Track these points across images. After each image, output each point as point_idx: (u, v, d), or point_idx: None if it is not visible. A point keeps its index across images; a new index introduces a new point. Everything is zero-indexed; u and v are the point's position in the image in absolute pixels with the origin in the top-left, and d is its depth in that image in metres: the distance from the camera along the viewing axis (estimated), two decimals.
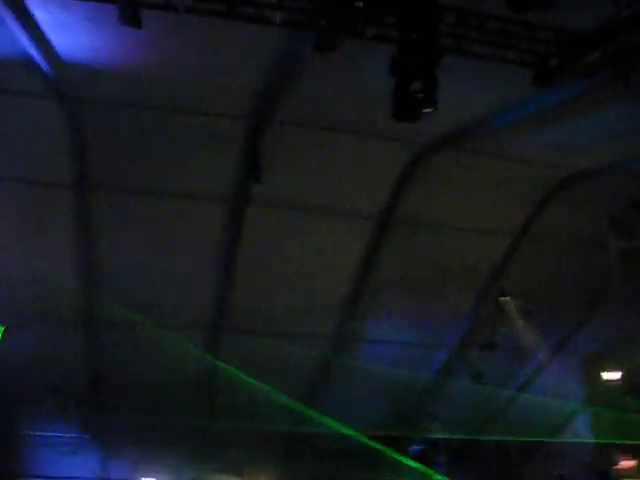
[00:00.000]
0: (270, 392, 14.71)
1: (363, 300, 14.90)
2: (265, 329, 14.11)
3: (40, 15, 8.89)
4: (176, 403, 15.22)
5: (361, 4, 7.37)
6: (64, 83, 10.60)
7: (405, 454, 18.13)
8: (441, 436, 17.87)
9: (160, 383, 14.30)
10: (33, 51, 9.72)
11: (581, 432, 17.20)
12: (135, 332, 13.47)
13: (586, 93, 10.03)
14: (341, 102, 10.97)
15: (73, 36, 9.67)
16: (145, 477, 17.70)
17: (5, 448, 16.81)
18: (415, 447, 18.36)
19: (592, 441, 16.88)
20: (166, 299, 13.66)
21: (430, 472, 17.93)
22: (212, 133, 11.54)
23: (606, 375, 16.08)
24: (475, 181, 13.20)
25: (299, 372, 16.00)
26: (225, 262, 13.62)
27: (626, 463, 14.11)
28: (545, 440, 17.54)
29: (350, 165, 12.58)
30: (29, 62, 10.02)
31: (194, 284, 13.96)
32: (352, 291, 14.80)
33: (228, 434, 16.38)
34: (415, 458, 18.22)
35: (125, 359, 14.57)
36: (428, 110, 7.30)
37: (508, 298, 15.62)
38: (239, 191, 12.54)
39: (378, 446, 17.22)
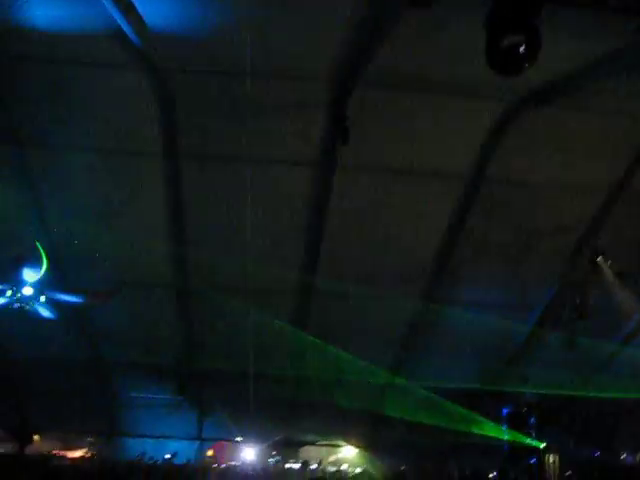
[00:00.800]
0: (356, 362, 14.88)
1: (453, 262, 14.72)
2: (356, 292, 14.10)
3: None
4: (267, 371, 15.57)
5: None
6: (153, 53, 10.73)
7: (496, 416, 18.07)
8: (532, 398, 17.64)
9: (249, 350, 14.54)
10: (122, 23, 9.85)
11: None
12: (229, 300, 13.75)
13: None
14: (430, 61, 10.71)
15: (161, 6, 9.80)
16: (238, 437, 18.29)
17: (106, 408, 17.64)
18: (506, 409, 18.20)
19: None
20: (253, 267, 13.83)
21: (521, 434, 17.79)
22: (299, 97, 11.48)
23: None
24: (567, 137, 12.71)
25: (389, 335, 16.08)
26: (313, 229, 13.65)
27: None
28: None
29: (438, 126, 12.29)
30: (118, 34, 10.19)
31: (282, 251, 14.07)
32: (442, 253, 14.64)
33: (315, 404, 16.66)
34: (506, 420, 18.10)
35: (220, 326, 14.93)
36: (529, 64, 7.02)
37: (601, 258, 15.12)
38: (326, 156, 12.48)
39: (467, 409, 17.27)
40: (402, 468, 15.36)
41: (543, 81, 11.20)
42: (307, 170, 12.92)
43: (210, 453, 18.25)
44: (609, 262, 14.88)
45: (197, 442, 18.68)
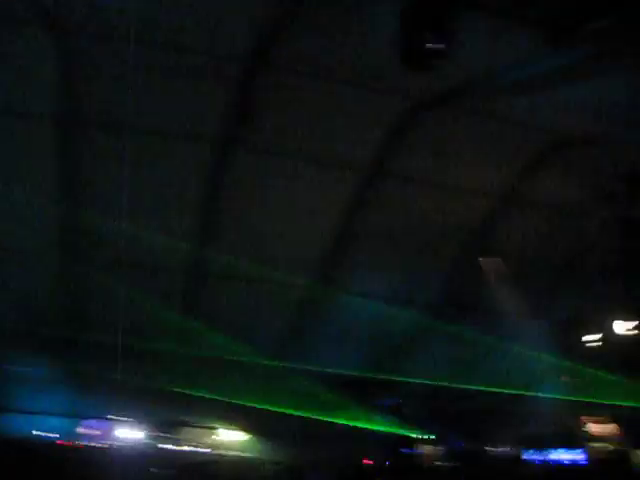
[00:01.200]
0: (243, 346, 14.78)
1: (344, 252, 14.82)
2: (247, 274, 13.95)
3: None
4: (148, 348, 15.22)
5: None
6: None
7: (378, 406, 18.48)
8: (412, 389, 18.12)
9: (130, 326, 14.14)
10: None
11: (551, 394, 17.54)
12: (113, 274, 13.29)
13: (590, 59, 9.87)
14: (340, 51, 10.67)
15: None
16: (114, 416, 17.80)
17: None
18: (388, 399, 18.65)
19: (561, 403, 17.25)
20: (142, 242, 13.44)
21: (399, 424, 18.29)
22: (204, 72, 11.16)
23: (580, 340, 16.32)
24: (467, 140, 13.01)
25: (275, 322, 16.05)
26: (208, 209, 13.38)
27: (595, 425, 14.48)
28: (514, 400, 17.92)
29: (342, 116, 12.30)
30: None
31: (173, 228, 13.71)
32: (334, 242, 14.70)
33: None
34: (386, 410, 18.56)
35: (102, 300, 14.41)
36: (438, 62, 7.09)
37: (489, 259, 15.68)
38: (226, 135, 12.24)
39: (350, 397, 17.53)
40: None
41: (448, 82, 11.43)
42: (205, 148, 12.61)
43: (85, 431, 17.69)
44: (496, 262, 15.47)
45: (72, 419, 18.01)
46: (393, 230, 14.44)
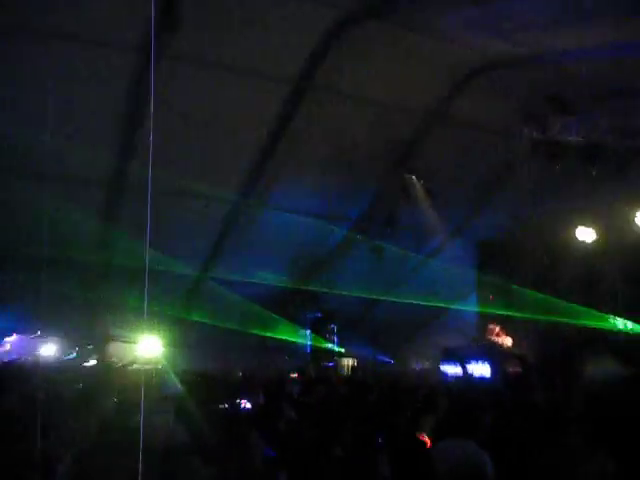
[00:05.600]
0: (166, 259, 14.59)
1: (273, 165, 14.66)
2: (167, 190, 13.62)
3: None
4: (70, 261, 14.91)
5: None
6: None
7: (301, 320, 18.76)
8: (336, 306, 18.46)
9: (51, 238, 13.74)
10: None
11: (466, 309, 18.19)
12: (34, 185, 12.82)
13: None
14: None
15: None
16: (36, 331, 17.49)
17: None
18: (310, 314, 18.94)
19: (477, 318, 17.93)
20: (65, 153, 12.95)
21: (322, 339, 18.68)
22: None
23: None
24: (395, 56, 12.88)
25: (202, 236, 15.91)
26: (132, 118, 12.88)
27: (505, 339, 15.06)
28: (435, 314, 18.54)
29: (271, 27, 11.94)
30: None
31: (97, 139, 13.20)
32: (260, 155, 14.51)
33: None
34: (310, 325, 18.89)
35: (22, 211, 13.92)
36: None
37: (413, 177, 15.84)
38: (153, 42, 11.67)
39: (274, 312, 17.74)
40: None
41: None
42: (128, 57, 12.05)
43: (7, 347, 17.33)
44: (421, 181, 15.65)
45: None
46: (318, 145, 14.33)
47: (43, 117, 11.47)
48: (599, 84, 12.31)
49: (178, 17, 10.69)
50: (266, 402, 7.50)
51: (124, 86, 12.40)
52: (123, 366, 13.46)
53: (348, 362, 18.34)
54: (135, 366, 14.11)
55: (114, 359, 16.48)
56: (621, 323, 14.63)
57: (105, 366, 15.40)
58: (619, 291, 15.15)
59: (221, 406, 6.89)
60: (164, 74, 11.87)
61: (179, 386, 7.79)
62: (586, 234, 15.60)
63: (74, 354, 17.53)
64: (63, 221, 13.46)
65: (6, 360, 14.68)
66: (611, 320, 14.70)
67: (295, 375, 14.17)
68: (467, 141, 14.48)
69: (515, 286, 16.12)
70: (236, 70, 12.64)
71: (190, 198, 14.53)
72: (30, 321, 16.98)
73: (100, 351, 17.52)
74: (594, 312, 14.81)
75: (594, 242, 15.54)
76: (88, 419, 4.81)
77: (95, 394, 5.74)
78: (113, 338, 17.85)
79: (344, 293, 17.67)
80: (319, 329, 18.91)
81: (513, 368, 14.38)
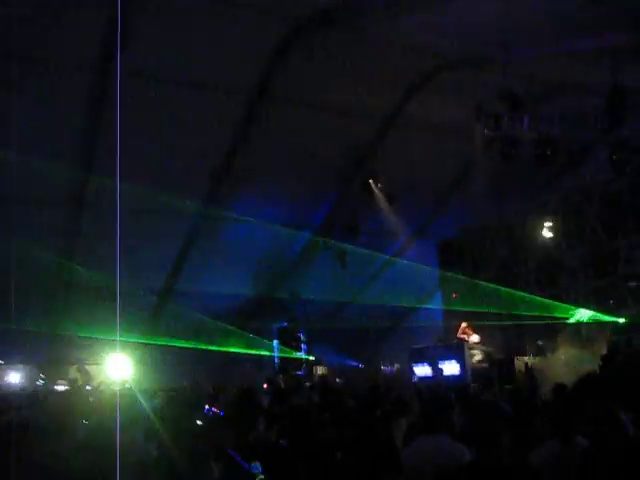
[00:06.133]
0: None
1: (230, 178, 14.63)
2: (129, 206, 13.46)
3: None
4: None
5: None
6: None
7: (268, 332, 18.67)
8: (302, 314, 18.43)
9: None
10: None
11: (433, 311, 18.32)
12: None
13: None
14: None
15: None
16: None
17: None
18: (277, 324, 18.88)
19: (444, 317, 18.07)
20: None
21: (291, 348, 18.61)
22: None
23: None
24: (350, 62, 12.94)
25: (164, 251, 15.78)
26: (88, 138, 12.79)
27: (472, 337, 15.22)
28: (403, 316, 18.64)
29: (224, 38, 11.90)
30: None
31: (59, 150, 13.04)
32: (219, 168, 14.48)
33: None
34: (277, 335, 18.82)
35: None
36: None
37: (371, 181, 15.93)
38: (105, 59, 11.59)
39: (239, 327, 17.59)
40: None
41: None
42: (85, 73, 11.96)
43: None
44: (380, 185, 15.75)
45: None
46: (280, 153, 14.33)
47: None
48: (549, 79, 12.56)
49: (129, 34, 10.60)
50: (236, 413, 7.43)
51: (82, 103, 12.30)
52: (92, 388, 13.27)
53: (317, 369, 18.32)
54: (103, 387, 13.92)
55: (82, 382, 16.22)
56: (582, 312, 14.90)
57: (73, 390, 15.13)
58: (580, 281, 15.46)
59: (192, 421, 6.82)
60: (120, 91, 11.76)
61: (150, 404, 7.73)
62: (545, 227, 15.87)
63: (41, 381, 17.19)
64: (23, 243, 13.25)
65: None
66: (573, 310, 14.96)
67: (265, 386, 14.10)
68: (424, 143, 14.61)
69: (479, 282, 16.28)
70: (192, 84, 12.61)
71: (151, 213, 14.37)
72: None
73: (67, 375, 17.19)
74: (557, 304, 15.05)
75: (553, 234, 15.81)
76: (59, 443, 4.74)
77: (65, 418, 5.65)
78: (79, 361, 17.56)
79: (310, 300, 17.64)
80: (286, 338, 18.86)
81: (479, 364, 14.61)
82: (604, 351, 12.50)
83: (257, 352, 18.31)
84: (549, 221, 15.85)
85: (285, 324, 19.02)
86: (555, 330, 14.89)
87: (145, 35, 10.85)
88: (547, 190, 15.86)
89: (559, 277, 15.86)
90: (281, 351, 18.75)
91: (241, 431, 5.99)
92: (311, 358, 18.69)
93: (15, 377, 17.09)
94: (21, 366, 17.32)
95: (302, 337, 19.02)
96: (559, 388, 7.09)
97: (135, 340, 16.35)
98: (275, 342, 18.89)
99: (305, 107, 13.73)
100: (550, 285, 15.85)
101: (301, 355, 18.78)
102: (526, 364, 13.61)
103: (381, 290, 17.52)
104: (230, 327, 17.55)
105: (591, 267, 15.19)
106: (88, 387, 15.72)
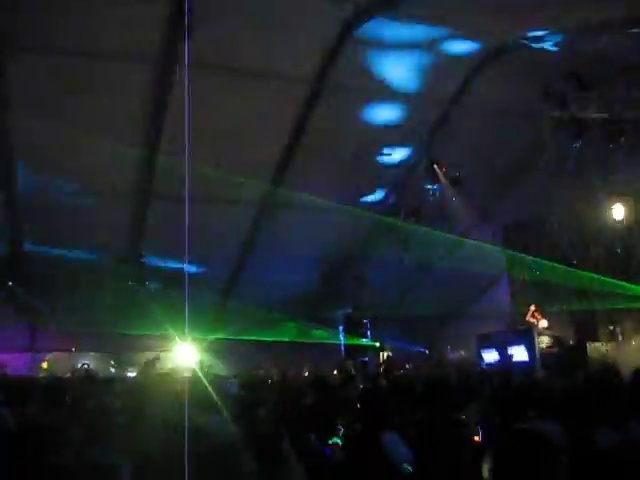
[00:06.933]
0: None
1: (292, 166, 14.70)
2: (192, 194, 13.70)
3: None
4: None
5: None
6: None
7: (333, 319, 18.74)
8: (367, 301, 18.40)
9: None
10: None
11: (500, 296, 18.06)
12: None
13: None
14: None
15: None
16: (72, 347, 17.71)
17: None
18: (341, 310, 18.92)
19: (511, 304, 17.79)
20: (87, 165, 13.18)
21: (356, 335, 18.64)
22: None
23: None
24: (408, 48, 12.95)
25: (226, 239, 15.96)
26: (152, 125, 13.02)
27: (541, 321, 14.98)
28: (470, 302, 18.44)
29: (285, 27, 11.96)
30: None
31: (118, 153, 13.34)
32: (281, 157, 14.58)
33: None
34: (343, 322, 18.87)
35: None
36: None
37: (437, 165, 15.76)
38: (168, 50, 11.80)
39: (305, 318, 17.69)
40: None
41: None
42: (147, 66, 12.19)
43: (45, 365, 17.52)
44: (443, 169, 15.58)
45: (30, 353, 17.80)
46: (341, 143, 14.35)
47: None
48: (615, 58, 12.20)
49: (190, 25, 10.74)
50: (315, 401, 7.53)
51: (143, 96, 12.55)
52: (166, 374, 13.57)
53: (383, 355, 18.33)
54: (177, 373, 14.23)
55: (155, 369, 16.62)
56: None
57: (149, 376, 15.53)
58: None
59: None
60: (181, 80, 11.97)
61: (232, 389, 7.91)
62: (617, 209, 15.41)
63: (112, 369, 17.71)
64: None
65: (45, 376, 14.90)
66: None
67: (335, 372, 14.20)
68: (486, 124, 14.39)
69: (547, 265, 15.93)
70: (252, 74, 12.70)
71: (216, 204, 14.58)
72: (65, 338, 17.22)
73: (139, 363, 17.63)
74: (630, 286, 14.62)
75: (625, 216, 15.36)
76: (142, 427, 4.89)
77: (145, 403, 5.83)
78: (150, 348, 17.98)
79: (375, 286, 17.61)
80: (352, 325, 18.90)
81: (549, 349, 14.35)
82: None
83: (324, 340, 18.44)
84: (619, 203, 15.39)
85: (350, 311, 19.06)
86: (628, 315, 14.51)
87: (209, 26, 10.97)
88: (616, 172, 15.41)
89: (630, 260, 15.41)
90: (346, 338, 18.81)
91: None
92: (377, 344, 18.71)
93: (90, 364, 17.65)
94: (92, 354, 17.87)
95: (367, 323, 19.02)
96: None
97: (202, 337, 16.75)
98: (340, 329, 18.96)
99: (365, 94, 13.68)
100: (621, 269, 15.42)
101: (367, 341, 18.81)
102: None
103: (446, 276, 17.31)
104: (293, 316, 17.71)
105: None
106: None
